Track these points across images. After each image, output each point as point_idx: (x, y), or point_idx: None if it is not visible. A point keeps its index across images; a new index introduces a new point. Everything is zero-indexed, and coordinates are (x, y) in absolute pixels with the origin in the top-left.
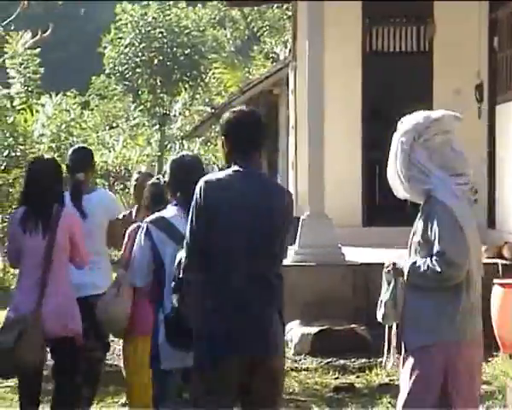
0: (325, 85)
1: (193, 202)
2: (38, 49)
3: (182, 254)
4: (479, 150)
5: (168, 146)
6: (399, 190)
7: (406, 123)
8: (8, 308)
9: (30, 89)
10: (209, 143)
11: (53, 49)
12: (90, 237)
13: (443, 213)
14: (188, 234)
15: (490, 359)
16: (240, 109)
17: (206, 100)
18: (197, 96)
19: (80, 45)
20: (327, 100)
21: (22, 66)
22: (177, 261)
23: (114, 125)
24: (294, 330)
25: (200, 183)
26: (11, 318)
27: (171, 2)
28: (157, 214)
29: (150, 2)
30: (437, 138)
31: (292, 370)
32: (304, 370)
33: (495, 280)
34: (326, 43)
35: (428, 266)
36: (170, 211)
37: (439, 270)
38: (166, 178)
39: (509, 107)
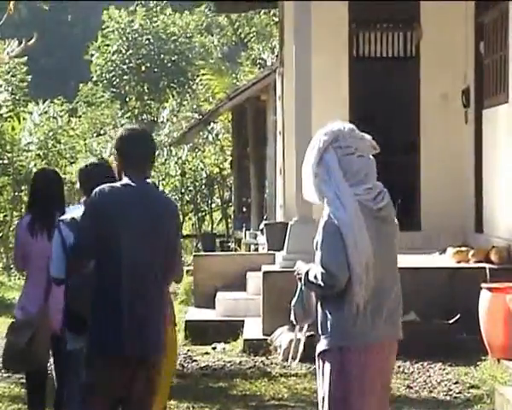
0: (312, 91)
1: (85, 208)
2: (25, 58)
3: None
4: (466, 155)
5: (156, 153)
6: (307, 187)
7: (331, 125)
8: (16, 309)
9: (17, 97)
10: (197, 150)
11: (40, 55)
12: None
13: (328, 225)
14: (78, 234)
15: (478, 363)
16: (131, 128)
17: (194, 106)
18: (185, 102)
19: (67, 52)
20: (314, 105)
21: (9, 74)
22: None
23: (102, 132)
24: (283, 336)
25: (94, 192)
26: (20, 319)
27: (158, 9)
28: (69, 215)
29: (137, 9)
30: (350, 150)
31: (281, 376)
32: (293, 375)
33: (482, 284)
34: (313, 48)
35: (315, 275)
36: (75, 212)
37: (320, 281)
38: (78, 185)
39: (495, 111)
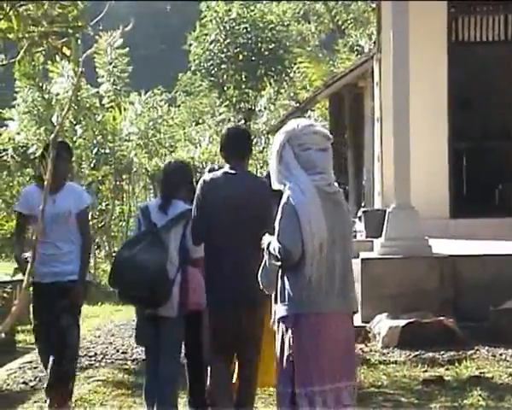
0: (410, 76)
1: (195, 196)
2: (127, 49)
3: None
4: None
5: (254, 141)
6: (273, 180)
7: (287, 124)
8: None
9: (118, 87)
10: None
11: (140, 46)
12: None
13: (286, 206)
14: (192, 219)
15: None
16: (231, 127)
17: (291, 94)
18: (282, 90)
19: (166, 42)
20: (412, 91)
21: (111, 65)
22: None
23: (201, 121)
24: (382, 323)
25: (201, 181)
26: None
27: None
28: (143, 202)
29: None
30: (306, 145)
31: (380, 363)
32: (392, 363)
33: None
34: (411, 34)
35: (274, 248)
36: (152, 201)
37: (277, 254)
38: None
39: None
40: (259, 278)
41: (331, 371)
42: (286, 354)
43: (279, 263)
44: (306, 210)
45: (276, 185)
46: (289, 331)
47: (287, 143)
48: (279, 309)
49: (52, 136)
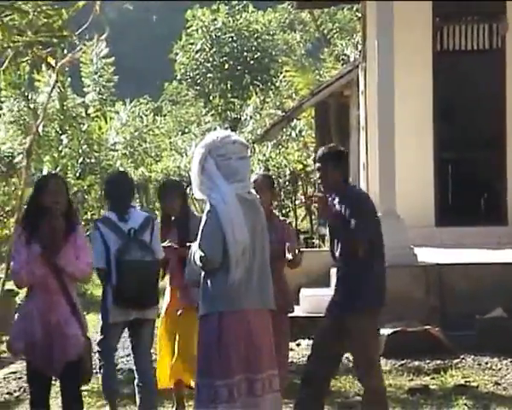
0: (395, 85)
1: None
2: (112, 58)
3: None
4: None
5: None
6: (195, 190)
7: (207, 137)
8: None
9: (104, 97)
10: (280, 146)
11: (126, 55)
12: None
13: (209, 215)
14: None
15: None
16: None
17: (277, 103)
18: (268, 99)
19: (152, 52)
20: (397, 100)
21: (97, 74)
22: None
23: (186, 130)
24: None
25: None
26: None
27: (240, 7)
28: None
29: (220, 8)
30: (227, 155)
31: None
32: None
33: None
34: (396, 43)
35: (196, 256)
36: (107, 213)
37: (198, 259)
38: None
39: None
40: (185, 275)
41: (248, 362)
42: (207, 348)
43: (201, 268)
44: (229, 219)
45: (197, 195)
46: (213, 328)
47: (208, 154)
48: (203, 307)
49: (27, 145)
